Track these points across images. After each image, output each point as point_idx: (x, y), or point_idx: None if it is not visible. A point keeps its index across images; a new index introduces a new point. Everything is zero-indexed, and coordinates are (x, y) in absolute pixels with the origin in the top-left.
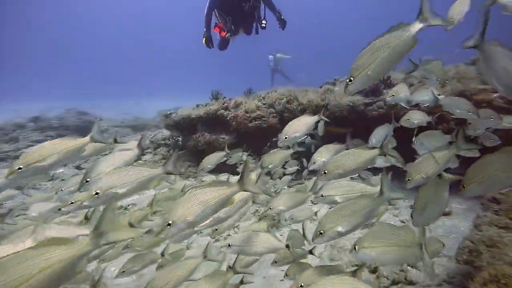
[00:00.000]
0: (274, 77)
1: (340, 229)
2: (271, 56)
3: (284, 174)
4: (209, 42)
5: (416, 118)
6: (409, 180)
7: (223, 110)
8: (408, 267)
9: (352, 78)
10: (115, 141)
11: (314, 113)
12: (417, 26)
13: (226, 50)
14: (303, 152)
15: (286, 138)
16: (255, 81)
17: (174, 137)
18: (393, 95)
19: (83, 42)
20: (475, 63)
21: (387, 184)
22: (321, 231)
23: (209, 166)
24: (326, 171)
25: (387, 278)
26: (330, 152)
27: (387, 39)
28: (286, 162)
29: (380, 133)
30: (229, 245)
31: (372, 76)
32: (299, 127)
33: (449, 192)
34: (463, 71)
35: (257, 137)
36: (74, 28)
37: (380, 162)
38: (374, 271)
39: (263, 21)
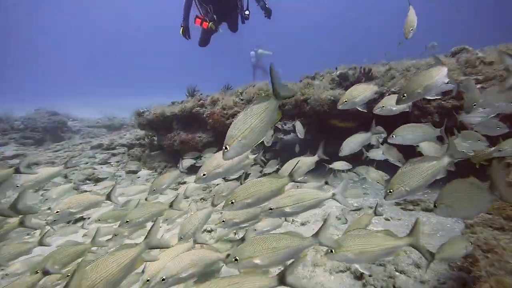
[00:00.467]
0: (255, 73)
1: None
2: (252, 52)
3: (264, 175)
4: (185, 32)
5: (391, 104)
6: (390, 192)
7: (199, 107)
8: (397, 273)
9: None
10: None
11: (293, 107)
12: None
13: (208, 45)
14: (286, 152)
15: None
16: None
17: (149, 137)
18: (382, 107)
19: (57, 40)
20: (455, 55)
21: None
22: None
23: (162, 187)
24: (233, 201)
25: (374, 287)
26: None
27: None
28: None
29: (352, 145)
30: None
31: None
32: None
33: (431, 186)
34: (445, 62)
35: None
36: (48, 26)
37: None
38: (360, 277)
39: (246, 11)
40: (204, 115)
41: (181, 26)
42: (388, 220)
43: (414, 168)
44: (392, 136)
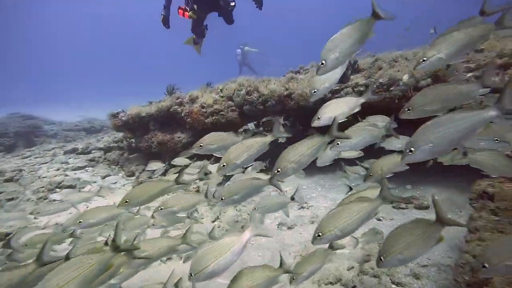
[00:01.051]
0: (242, 70)
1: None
2: (239, 50)
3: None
4: (165, 22)
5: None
6: (318, 236)
7: (177, 106)
8: (393, 285)
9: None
10: None
11: (277, 103)
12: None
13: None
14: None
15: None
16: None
17: (128, 139)
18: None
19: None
20: None
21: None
22: None
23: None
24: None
25: None
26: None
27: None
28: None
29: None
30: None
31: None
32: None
33: (425, 182)
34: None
35: None
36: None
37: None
38: None
39: (232, 3)
40: (183, 114)
41: (162, 15)
42: (380, 220)
43: (345, 209)
44: (337, 144)
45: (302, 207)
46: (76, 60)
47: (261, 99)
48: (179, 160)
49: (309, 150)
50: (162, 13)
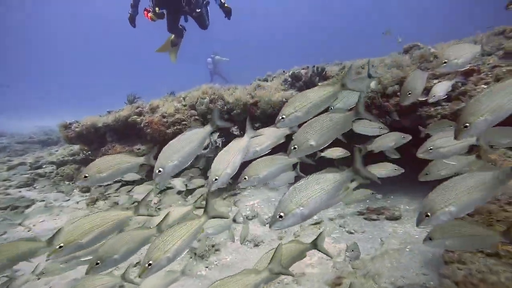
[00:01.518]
0: (213, 79)
1: None
2: (209, 59)
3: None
4: (131, 21)
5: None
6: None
7: (136, 116)
8: None
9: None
10: None
11: (242, 112)
12: None
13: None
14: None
15: None
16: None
17: (84, 152)
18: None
19: None
20: (407, 52)
21: None
22: None
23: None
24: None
25: None
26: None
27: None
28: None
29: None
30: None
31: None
32: None
33: (395, 191)
34: (399, 59)
35: None
36: None
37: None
38: None
39: (198, 9)
40: (142, 125)
41: (129, 14)
42: (352, 233)
43: (310, 184)
44: (244, 178)
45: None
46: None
47: (226, 107)
48: (131, 176)
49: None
50: (129, 12)
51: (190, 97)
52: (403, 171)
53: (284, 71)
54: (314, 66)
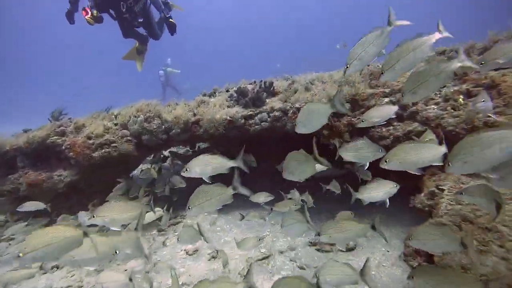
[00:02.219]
0: (165, 92)
1: None
2: (161, 71)
3: None
4: (68, 17)
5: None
6: None
7: (56, 137)
8: None
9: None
10: None
11: (182, 131)
12: None
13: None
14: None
15: None
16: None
17: None
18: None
19: None
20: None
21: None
22: None
23: None
24: None
25: None
26: None
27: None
28: None
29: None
30: None
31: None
32: None
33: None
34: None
35: (106, 170)
36: None
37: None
38: None
39: (140, 19)
40: (64, 147)
41: (67, 9)
42: (304, 269)
43: None
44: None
45: (213, 257)
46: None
47: (164, 126)
48: None
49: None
50: (68, 8)
51: (122, 114)
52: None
53: (229, 85)
54: (261, 81)
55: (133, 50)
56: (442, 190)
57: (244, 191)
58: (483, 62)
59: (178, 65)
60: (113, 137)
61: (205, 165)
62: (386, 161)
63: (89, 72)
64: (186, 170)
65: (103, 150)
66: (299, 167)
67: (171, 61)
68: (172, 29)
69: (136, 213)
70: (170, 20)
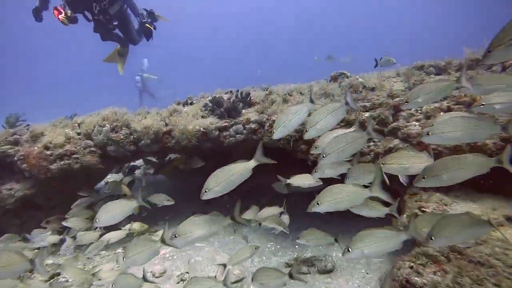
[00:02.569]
0: (143, 98)
1: None
2: (138, 77)
3: None
4: (35, 14)
5: None
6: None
7: (8, 146)
8: None
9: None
10: None
11: (153, 142)
12: None
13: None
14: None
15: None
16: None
17: None
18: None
19: None
20: (336, 80)
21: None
22: None
23: None
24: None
25: None
26: None
27: None
28: None
29: None
30: None
31: None
32: None
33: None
34: (329, 87)
35: (69, 183)
36: None
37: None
38: None
39: (114, 22)
40: (16, 158)
41: (35, 6)
42: None
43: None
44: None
45: (182, 280)
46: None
47: (132, 137)
48: None
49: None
50: (36, 5)
51: (87, 123)
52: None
53: (204, 94)
54: (238, 91)
55: (114, 52)
56: (425, 212)
57: (241, 220)
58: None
59: (156, 69)
60: (75, 147)
61: (113, 213)
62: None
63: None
64: (97, 221)
65: (63, 162)
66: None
67: (147, 63)
68: (148, 34)
69: None
70: (147, 25)
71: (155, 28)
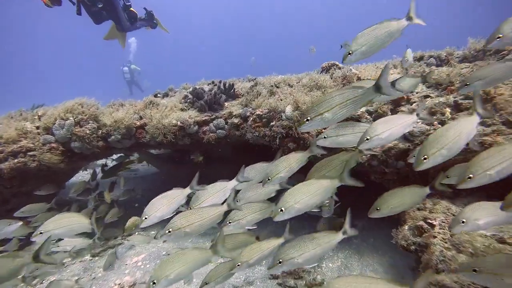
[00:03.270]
0: (132, 89)
1: None
2: (126, 68)
3: None
4: None
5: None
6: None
7: None
8: None
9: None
10: None
11: (124, 137)
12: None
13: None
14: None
15: None
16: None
17: None
18: None
19: None
20: (328, 71)
21: None
22: None
23: None
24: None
25: None
26: None
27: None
28: None
29: None
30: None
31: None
32: None
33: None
34: (319, 79)
35: (25, 185)
36: None
37: None
38: None
39: (99, 4)
40: None
41: None
42: None
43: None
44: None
45: None
46: None
47: (101, 132)
48: None
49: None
50: None
51: (48, 115)
52: None
53: (186, 85)
54: (221, 82)
55: (112, 28)
56: (432, 225)
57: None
58: (467, 83)
59: (144, 57)
60: (32, 143)
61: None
62: None
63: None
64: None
65: (16, 160)
66: None
67: (135, 45)
68: (132, 19)
69: None
70: (131, 9)
71: (154, 28)
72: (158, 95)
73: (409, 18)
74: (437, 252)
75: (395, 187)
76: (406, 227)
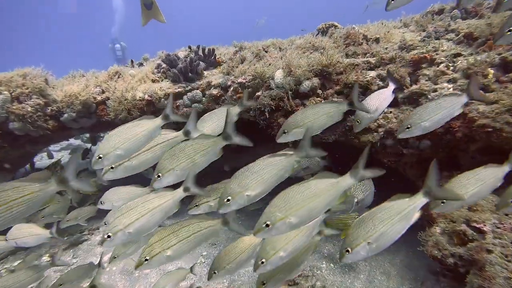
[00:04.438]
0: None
1: None
2: (118, 45)
3: None
4: None
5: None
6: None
7: None
8: None
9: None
10: None
11: (82, 115)
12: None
13: None
14: None
15: None
16: None
17: None
18: None
19: None
20: (324, 34)
21: None
22: None
23: None
24: None
25: None
26: None
27: None
28: None
29: None
30: None
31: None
32: None
33: None
34: (317, 40)
35: None
36: None
37: None
38: None
39: None
40: None
41: None
42: None
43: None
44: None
45: None
46: None
47: (50, 109)
48: None
49: None
50: None
51: None
52: None
53: (163, 53)
54: (199, 47)
55: (144, 10)
56: (480, 231)
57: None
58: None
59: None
60: None
61: None
62: None
63: None
64: None
65: None
66: None
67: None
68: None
69: None
70: None
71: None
72: (127, 65)
73: None
74: (500, 280)
75: (412, 173)
76: (438, 229)
